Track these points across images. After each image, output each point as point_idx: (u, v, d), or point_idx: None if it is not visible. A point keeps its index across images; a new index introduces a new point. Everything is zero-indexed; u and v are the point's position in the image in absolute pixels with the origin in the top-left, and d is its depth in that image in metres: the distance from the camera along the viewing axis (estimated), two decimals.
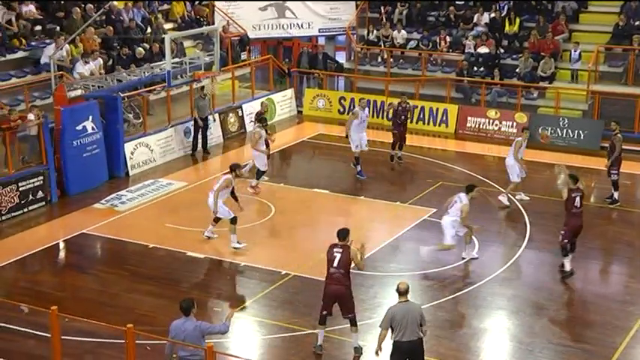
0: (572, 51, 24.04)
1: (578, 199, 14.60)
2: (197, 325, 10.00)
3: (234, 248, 15.66)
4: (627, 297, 14.23)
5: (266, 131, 19.00)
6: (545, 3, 26.57)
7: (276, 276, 14.72)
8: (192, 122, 21.62)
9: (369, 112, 21.37)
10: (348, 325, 12.05)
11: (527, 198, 18.40)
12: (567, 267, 14.79)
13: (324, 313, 12.00)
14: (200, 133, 21.71)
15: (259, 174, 18.87)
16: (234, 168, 16.01)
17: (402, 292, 10.70)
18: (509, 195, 18.35)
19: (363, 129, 20.07)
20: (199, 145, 21.81)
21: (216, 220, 16.01)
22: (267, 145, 19.30)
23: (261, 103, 22.70)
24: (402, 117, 20.82)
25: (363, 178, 19.69)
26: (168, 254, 15.74)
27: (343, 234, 11.95)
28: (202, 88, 22.07)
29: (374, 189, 19.23)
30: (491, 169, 20.95)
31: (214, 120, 22.59)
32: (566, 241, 14.69)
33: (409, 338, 10.56)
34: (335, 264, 11.74)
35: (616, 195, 18.25)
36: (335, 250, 11.82)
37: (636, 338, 12.78)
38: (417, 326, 10.60)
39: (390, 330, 10.66)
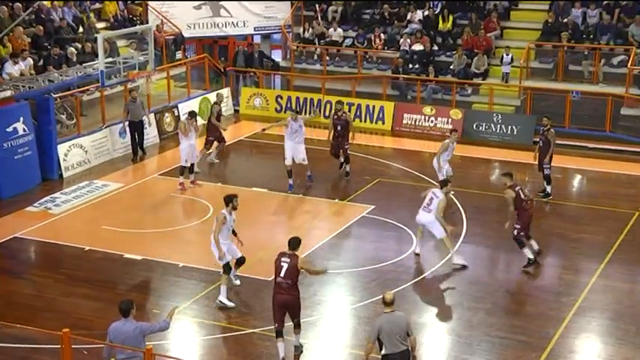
0: (504, 54, 24.42)
1: (521, 192, 14.90)
2: (137, 325, 9.89)
3: (221, 302, 13.54)
4: (561, 288, 14.56)
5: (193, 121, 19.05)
6: (478, 1, 27.00)
7: (216, 276, 14.60)
8: (127, 127, 20.88)
9: (303, 121, 19.12)
10: (285, 325, 11.98)
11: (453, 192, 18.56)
12: (530, 255, 15.10)
13: (277, 325, 11.66)
14: (137, 135, 21.15)
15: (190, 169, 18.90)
16: (228, 200, 13.66)
17: (389, 303, 10.34)
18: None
19: (300, 142, 18.77)
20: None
21: (240, 262, 14.09)
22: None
23: (217, 94, 22.42)
24: (339, 127, 19.49)
25: (290, 191, 18.73)
26: (104, 257, 15.50)
27: (294, 244, 11.63)
28: (131, 91, 21.33)
29: (312, 187, 19.26)
30: (427, 165, 21.11)
31: (149, 123, 22.02)
32: (522, 234, 14.99)
33: (400, 348, 10.25)
34: (282, 274, 11.47)
35: (549, 189, 18.64)
36: (282, 259, 11.53)
37: (569, 328, 13.09)
38: (403, 336, 10.30)
39: (377, 343, 10.32)
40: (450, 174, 18.24)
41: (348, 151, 19.73)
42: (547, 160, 18.36)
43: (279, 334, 11.71)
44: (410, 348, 10.40)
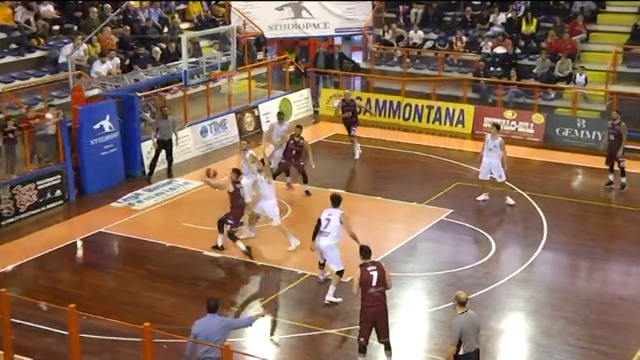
0: (578, 75, 23.80)
1: None
2: (223, 319, 10.16)
3: (329, 302, 13.62)
4: None
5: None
6: (563, 3, 26.46)
7: (294, 276, 14.73)
8: (153, 144, 19.77)
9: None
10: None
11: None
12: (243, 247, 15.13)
13: (363, 340, 11.46)
14: (165, 155, 19.94)
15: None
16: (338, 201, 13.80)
17: (464, 303, 10.35)
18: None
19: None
20: (161, 167, 20.08)
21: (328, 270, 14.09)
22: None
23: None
24: (294, 152, 18.53)
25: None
26: (185, 253, 15.78)
27: (369, 252, 11.55)
28: (163, 107, 20.31)
29: (390, 189, 19.21)
30: (507, 169, 20.85)
31: (177, 143, 20.18)
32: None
33: (475, 347, 10.34)
34: (374, 283, 11.30)
35: (623, 180, 18.90)
36: (369, 269, 11.37)
37: None
38: (477, 334, 10.43)
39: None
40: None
41: (304, 167, 18.68)
42: (620, 153, 18.74)
43: (363, 349, 11.54)
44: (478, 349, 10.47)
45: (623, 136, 18.77)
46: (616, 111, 19.42)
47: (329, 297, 13.65)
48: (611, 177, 19.18)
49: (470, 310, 10.50)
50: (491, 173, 18.07)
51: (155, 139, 19.63)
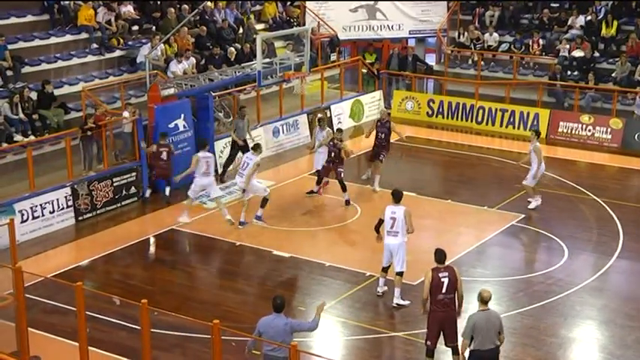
0: (638, 97, 22.70)
1: None
2: (287, 322, 10.11)
3: (397, 305, 13.65)
4: None
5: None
6: None
7: (361, 277, 14.72)
8: (230, 144, 20.05)
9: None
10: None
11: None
12: None
13: (430, 344, 11.41)
14: (240, 153, 19.68)
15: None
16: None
17: (486, 301, 10.44)
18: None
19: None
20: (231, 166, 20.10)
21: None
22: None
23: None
24: (332, 154, 18.22)
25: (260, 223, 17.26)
26: (254, 252, 15.94)
27: (443, 256, 11.43)
28: (242, 107, 20.47)
29: (461, 193, 19.02)
30: (582, 175, 20.46)
31: (252, 141, 19.67)
32: None
33: (489, 346, 10.40)
34: (444, 290, 11.21)
35: None
36: (441, 275, 11.26)
37: None
38: (495, 334, 10.44)
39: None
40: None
41: (342, 175, 18.20)
42: None
43: (431, 353, 11.49)
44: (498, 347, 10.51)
45: None
46: None
47: (397, 300, 13.59)
48: None
49: (493, 310, 10.60)
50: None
51: (239, 139, 19.67)
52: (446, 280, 11.20)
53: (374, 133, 19.50)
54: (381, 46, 29.54)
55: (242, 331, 10.97)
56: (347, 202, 18.16)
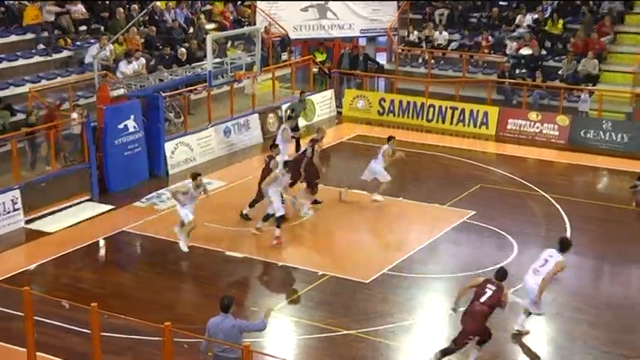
0: (582, 94, 23.43)
1: None
2: (235, 323, 10.06)
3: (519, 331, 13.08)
4: None
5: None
6: (591, 4, 26.23)
7: (313, 277, 14.75)
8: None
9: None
10: (381, 328, 11.98)
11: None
12: None
13: (453, 346, 11.64)
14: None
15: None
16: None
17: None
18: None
19: None
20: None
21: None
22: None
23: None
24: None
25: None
26: (206, 253, 15.86)
27: (500, 275, 11.71)
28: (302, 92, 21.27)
29: (412, 191, 19.18)
30: (531, 171, 20.77)
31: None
32: None
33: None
34: (483, 299, 11.44)
35: None
36: (488, 285, 11.54)
37: None
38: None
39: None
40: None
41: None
42: None
43: (449, 352, 11.64)
44: None
45: None
46: None
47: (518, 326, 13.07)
48: None
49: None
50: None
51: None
52: (489, 292, 11.49)
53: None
54: (332, 45, 29.59)
55: (194, 333, 10.92)
56: (315, 202, 17.91)
